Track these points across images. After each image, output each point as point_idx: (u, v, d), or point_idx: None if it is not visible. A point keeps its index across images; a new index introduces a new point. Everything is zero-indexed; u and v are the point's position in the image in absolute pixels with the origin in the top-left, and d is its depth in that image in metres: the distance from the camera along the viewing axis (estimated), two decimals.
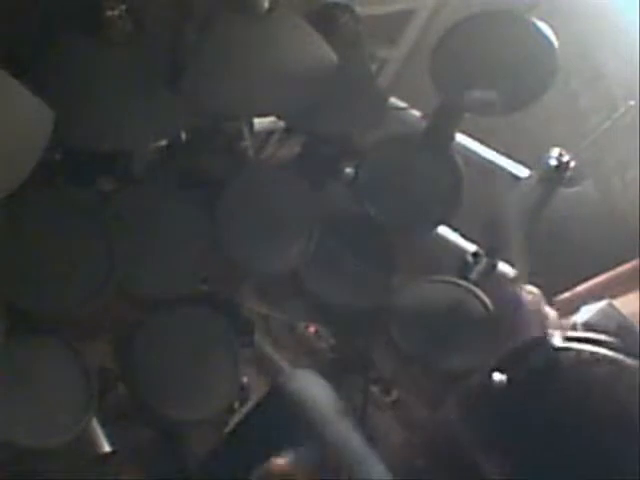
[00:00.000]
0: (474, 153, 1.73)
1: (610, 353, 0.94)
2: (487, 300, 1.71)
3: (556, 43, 1.46)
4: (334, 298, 1.75)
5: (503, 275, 1.74)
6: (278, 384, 1.45)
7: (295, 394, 1.41)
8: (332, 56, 1.36)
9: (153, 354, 1.51)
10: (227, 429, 1.63)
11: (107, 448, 1.48)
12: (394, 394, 1.95)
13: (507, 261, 1.74)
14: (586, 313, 1.63)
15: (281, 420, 1.41)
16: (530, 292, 1.31)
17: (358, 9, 1.47)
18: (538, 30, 1.46)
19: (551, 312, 1.26)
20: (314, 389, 1.44)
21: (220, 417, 1.63)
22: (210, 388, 1.54)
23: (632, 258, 1.70)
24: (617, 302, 1.65)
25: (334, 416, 1.40)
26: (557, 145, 1.56)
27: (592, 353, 0.94)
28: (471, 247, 1.76)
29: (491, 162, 1.71)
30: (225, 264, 1.60)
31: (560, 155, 1.53)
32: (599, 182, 1.65)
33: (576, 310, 1.63)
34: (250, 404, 1.64)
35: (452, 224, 1.78)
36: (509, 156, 1.71)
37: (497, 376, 0.98)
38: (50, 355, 1.41)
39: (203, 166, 1.61)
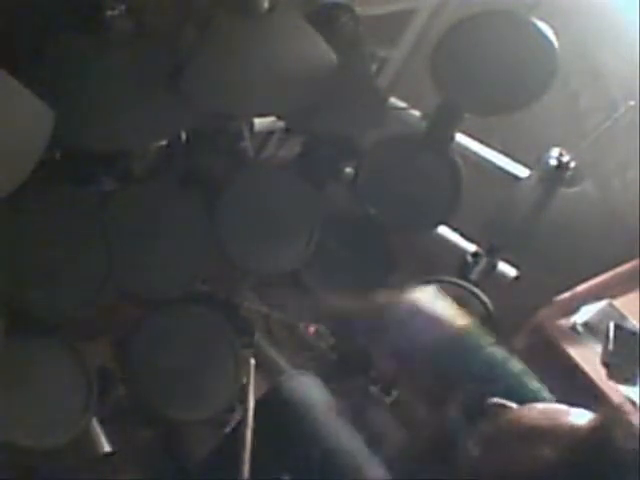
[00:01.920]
0: (474, 153, 1.73)
1: None
2: (487, 300, 1.71)
3: (556, 43, 1.46)
4: (334, 298, 1.75)
5: (503, 275, 1.74)
6: (275, 385, 1.45)
7: (293, 395, 1.40)
8: (332, 56, 1.36)
9: (153, 354, 1.51)
10: (227, 429, 1.63)
11: (107, 448, 1.48)
12: (394, 394, 1.95)
13: (507, 261, 1.74)
14: (586, 313, 1.63)
15: (280, 420, 1.40)
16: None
17: (358, 9, 1.47)
18: (538, 30, 1.46)
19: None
20: (310, 390, 1.44)
21: (220, 417, 1.63)
22: (210, 388, 1.54)
23: (632, 258, 1.70)
24: (617, 302, 1.66)
25: (331, 416, 1.39)
26: (557, 145, 1.56)
27: None
28: (471, 247, 1.76)
29: (491, 162, 1.71)
30: (225, 264, 1.60)
31: (560, 155, 1.53)
32: (599, 182, 1.65)
33: (576, 310, 1.64)
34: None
35: (452, 224, 1.78)
36: (509, 156, 1.71)
37: None
38: (50, 355, 1.41)
39: (203, 166, 1.61)
